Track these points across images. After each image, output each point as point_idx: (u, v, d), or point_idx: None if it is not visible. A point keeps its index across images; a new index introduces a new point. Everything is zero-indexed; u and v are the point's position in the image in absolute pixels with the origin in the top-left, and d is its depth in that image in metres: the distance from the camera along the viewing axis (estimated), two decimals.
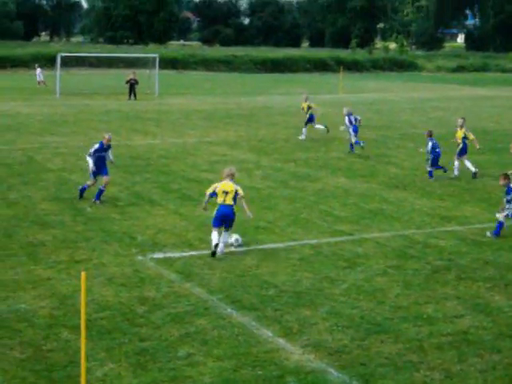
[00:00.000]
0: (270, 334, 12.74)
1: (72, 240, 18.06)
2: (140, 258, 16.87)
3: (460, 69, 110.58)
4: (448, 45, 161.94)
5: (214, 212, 17.21)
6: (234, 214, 17.09)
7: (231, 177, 17.27)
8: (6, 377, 11.08)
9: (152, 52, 78.91)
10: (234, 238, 17.64)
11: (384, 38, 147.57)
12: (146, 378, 11.15)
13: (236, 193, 16.97)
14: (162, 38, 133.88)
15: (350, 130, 32.10)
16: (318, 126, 36.29)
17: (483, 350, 12.33)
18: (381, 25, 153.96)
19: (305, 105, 36.46)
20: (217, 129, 39.56)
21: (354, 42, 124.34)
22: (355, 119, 32.43)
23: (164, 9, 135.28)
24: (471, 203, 22.95)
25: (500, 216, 19.16)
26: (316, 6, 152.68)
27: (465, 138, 27.21)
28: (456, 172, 27.02)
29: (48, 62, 79.95)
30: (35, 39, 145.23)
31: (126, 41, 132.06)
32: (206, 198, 17.33)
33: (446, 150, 27.95)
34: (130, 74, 55.69)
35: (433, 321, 13.48)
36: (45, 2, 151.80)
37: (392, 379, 11.28)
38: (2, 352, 11.84)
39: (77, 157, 29.34)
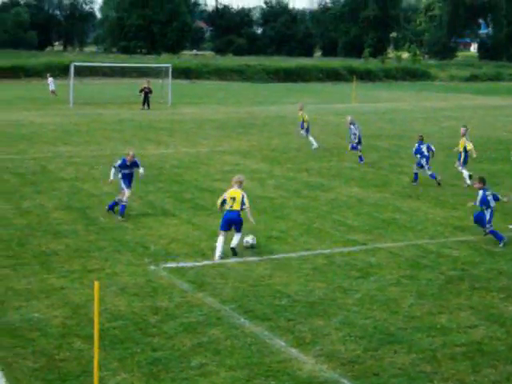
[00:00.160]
0: (283, 344, 12.71)
1: (85, 249, 18.09)
2: (153, 267, 16.87)
3: (473, 78, 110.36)
4: (461, 54, 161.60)
5: (222, 217, 17.91)
6: (240, 217, 17.84)
7: (239, 184, 18.13)
8: None
9: (165, 62, 79.13)
10: (250, 236, 18.44)
11: (397, 48, 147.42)
12: None
13: (243, 199, 17.74)
14: (174, 48, 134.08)
15: (352, 138, 31.96)
16: (303, 133, 36.64)
17: (497, 360, 12.27)
18: (394, 34, 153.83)
19: (303, 115, 36.35)
20: (229, 138, 39.59)
21: (366, 51, 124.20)
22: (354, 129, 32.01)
23: (177, 19, 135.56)
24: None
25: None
26: (329, 16, 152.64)
27: (466, 147, 27.40)
28: (468, 181, 26.98)
29: (61, 71, 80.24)
30: (49, 49, 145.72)
31: (139, 51, 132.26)
32: (219, 207, 18.19)
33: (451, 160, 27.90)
34: (144, 82, 55.85)
35: (446, 331, 13.42)
36: (58, 12, 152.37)
37: None
38: (15, 361, 11.85)
39: (89, 166, 29.44)
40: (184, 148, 35.31)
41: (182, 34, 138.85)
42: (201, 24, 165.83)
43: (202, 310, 14.18)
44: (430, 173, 27.22)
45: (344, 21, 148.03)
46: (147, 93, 54.79)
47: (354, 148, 31.92)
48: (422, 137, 27.89)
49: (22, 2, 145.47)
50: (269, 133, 41.89)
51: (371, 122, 47.92)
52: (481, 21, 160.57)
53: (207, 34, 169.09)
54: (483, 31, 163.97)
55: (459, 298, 15.17)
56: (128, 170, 21.37)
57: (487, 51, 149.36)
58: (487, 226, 19.30)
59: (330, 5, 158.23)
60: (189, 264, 17.13)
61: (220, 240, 17.64)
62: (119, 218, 20.98)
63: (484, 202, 19.30)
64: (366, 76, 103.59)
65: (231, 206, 17.71)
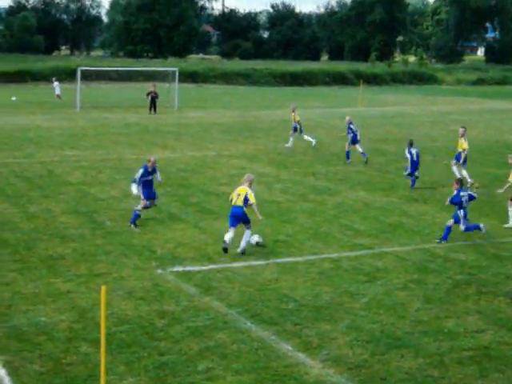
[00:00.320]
0: (290, 348, 12.70)
1: (91, 253, 18.10)
2: (159, 271, 16.88)
3: (480, 82, 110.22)
4: (468, 58, 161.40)
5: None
6: (244, 213, 18.23)
7: (249, 183, 18.62)
8: None
9: (172, 66, 79.11)
10: (256, 236, 18.83)
11: (403, 52, 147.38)
12: None
13: (246, 196, 18.20)
14: (181, 52, 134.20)
15: (349, 137, 32.85)
16: (292, 140, 37.58)
17: (505, 365, 12.24)
18: (400, 38, 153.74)
19: (295, 116, 37.47)
20: (236, 142, 39.59)
21: (373, 55, 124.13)
22: (353, 129, 32.73)
23: (184, 23, 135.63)
24: (491, 216, 22.80)
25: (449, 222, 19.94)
26: (335, 20, 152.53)
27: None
28: (469, 179, 27.39)
29: (68, 75, 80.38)
30: (55, 53, 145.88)
31: (145, 55, 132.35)
32: (230, 202, 18.63)
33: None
34: (150, 86, 55.88)
35: (454, 335, 13.39)
36: (65, 17, 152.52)
37: None
38: (22, 365, 11.86)
39: (97, 170, 29.46)
40: (190, 152, 35.33)
41: (189, 38, 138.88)
42: (207, 28, 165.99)
43: (209, 314, 14.17)
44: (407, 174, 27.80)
45: (350, 25, 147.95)
46: (154, 97, 54.75)
47: (353, 143, 32.86)
48: (411, 141, 28.06)
49: (29, 7, 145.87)
50: (275, 137, 41.86)
51: (378, 126, 47.89)
52: (488, 24, 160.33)
53: (214, 38, 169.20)
54: (490, 35, 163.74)
55: (466, 303, 15.14)
56: (150, 177, 21.06)
57: (494, 55, 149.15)
58: (461, 225, 19.81)
59: (336, 9, 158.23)
60: (195, 268, 17.13)
61: (228, 233, 18.17)
62: (132, 226, 20.64)
63: (456, 202, 19.94)
64: (373, 80, 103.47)
65: (235, 202, 18.25)
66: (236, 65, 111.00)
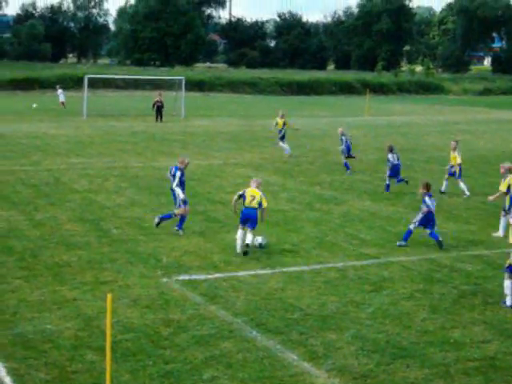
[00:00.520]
0: (295, 358, 12.68)
1: (97, 261, 18.11)
2: (165, 279, 16.87)
3: (487, 92, 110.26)
4: (475, 67, 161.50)
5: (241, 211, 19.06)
6: (256, 216, 18.89)
7: (256, 186, 19.29)
8: None
9: (178, 74, 79.33)
10: (260, 238, 19.32)
11: (410, 61, 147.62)
12: None
13: (261, 200, 18.91)
14: (188, 61, 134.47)
15: (343, 149, 33.02)
16: (282, 145, 37.94)
17: (511, 376, 12.20)
18: (407, 47, 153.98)
19: (280, 121, 37.95)
20: (242, 151, 39.63)
21: (379, 64, 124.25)
22: (345, 140, 32.88)
23: (191, 31, 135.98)
24: (497, 227, 22.74)
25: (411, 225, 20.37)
26: (342, 29, 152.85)
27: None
28: (467, 192, 27.76)
29: (75, 83, 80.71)
30: (63, 61, 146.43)
31: (152, 63, 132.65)
32: (236, 197, 19.30)
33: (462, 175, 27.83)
34: (156, 95, 56.00)
35: (459, 346, 13.36)
36: (73, 25, 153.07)
37: None
38: (27, 372, 11.85)
39: (103, 178, 29.50)
40: (196, 160, 35.34)
41: (196, 47, 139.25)
42: (214, 37, 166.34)
43: (214, 323, 14.16)
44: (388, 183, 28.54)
45: (357, 34, 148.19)
46: (159, 106, 54.92)
47: (347, 155, 33.09)
48: (391, 147, 28.95)
49: (36, 15, 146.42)
50: None
51: (384, 136, 47.90)
52: (494, 34, 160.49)
53: (221, 47, 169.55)
54: (497, 45, 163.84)
55: (472, 313, 15.11)
56: (184, 177, 21.27)
57: (501, 65, 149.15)
58: (427, 229, 20.28)
59: (343, 18, 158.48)
60: (201, 276, 17.12)
61: (239, 232, 18.80)
62: (176, 228, 21.06)
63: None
64: (379, 89, 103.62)
65: (250, 202, 18.85)
66: (242, 73, 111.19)
